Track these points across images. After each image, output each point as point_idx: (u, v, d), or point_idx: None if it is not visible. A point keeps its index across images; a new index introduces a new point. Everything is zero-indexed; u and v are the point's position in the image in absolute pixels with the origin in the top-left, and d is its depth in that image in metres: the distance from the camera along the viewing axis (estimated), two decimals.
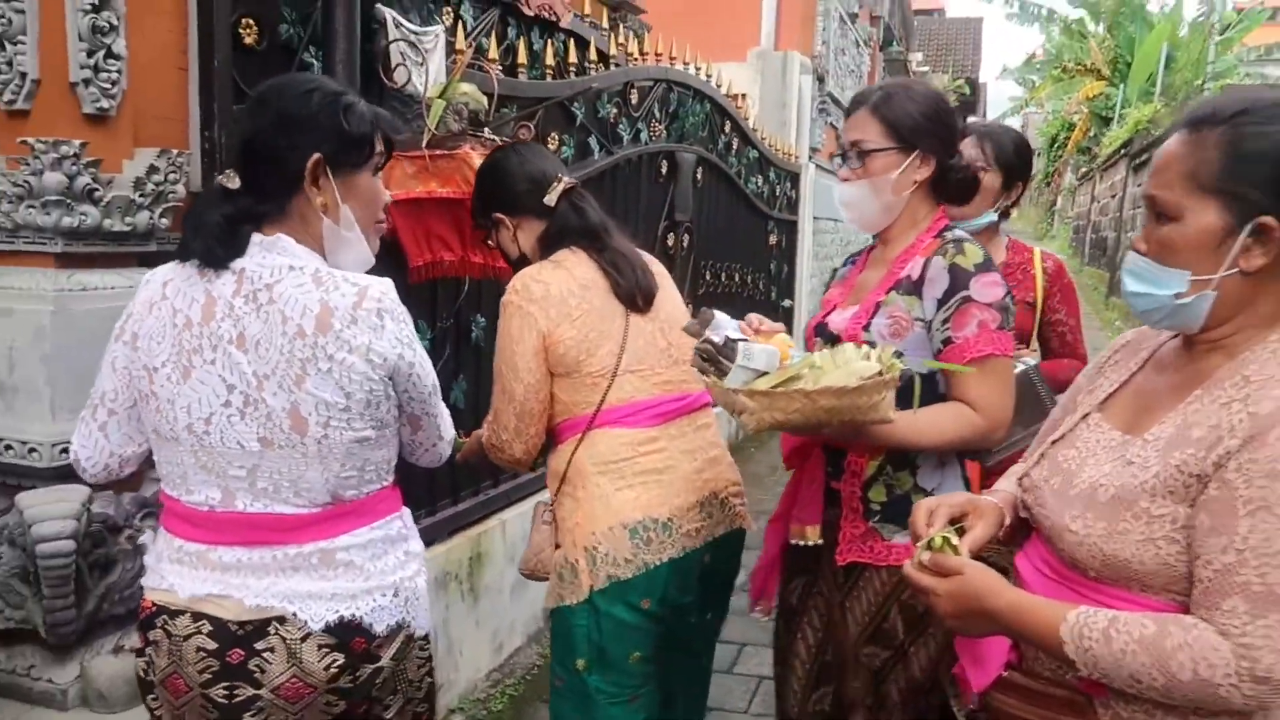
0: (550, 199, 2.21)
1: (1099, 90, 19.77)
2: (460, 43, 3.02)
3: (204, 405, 1.61)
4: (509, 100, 3.27)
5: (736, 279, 6.75)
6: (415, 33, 2.67)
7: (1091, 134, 20.70)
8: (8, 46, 2.69)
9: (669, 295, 2.32)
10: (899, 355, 1.80)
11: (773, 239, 7.59)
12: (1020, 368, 2.27)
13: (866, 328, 1.97)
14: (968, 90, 28.28)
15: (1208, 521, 1.20)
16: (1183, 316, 1.31)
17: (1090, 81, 19.99)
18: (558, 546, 2.21)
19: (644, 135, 4.79)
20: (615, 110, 4.43)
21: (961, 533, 1.45)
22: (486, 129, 2.77)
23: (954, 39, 32.71)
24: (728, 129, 6.18)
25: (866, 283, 2.09)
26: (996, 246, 2.71)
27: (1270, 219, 1.23)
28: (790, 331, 7.91)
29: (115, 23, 2.77)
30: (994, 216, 2.68)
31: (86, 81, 2.72)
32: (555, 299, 2.10)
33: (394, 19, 2.61)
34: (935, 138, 1.99)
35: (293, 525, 1.64)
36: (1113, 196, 16.79)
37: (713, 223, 6.12)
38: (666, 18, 7.77)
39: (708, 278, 6.14)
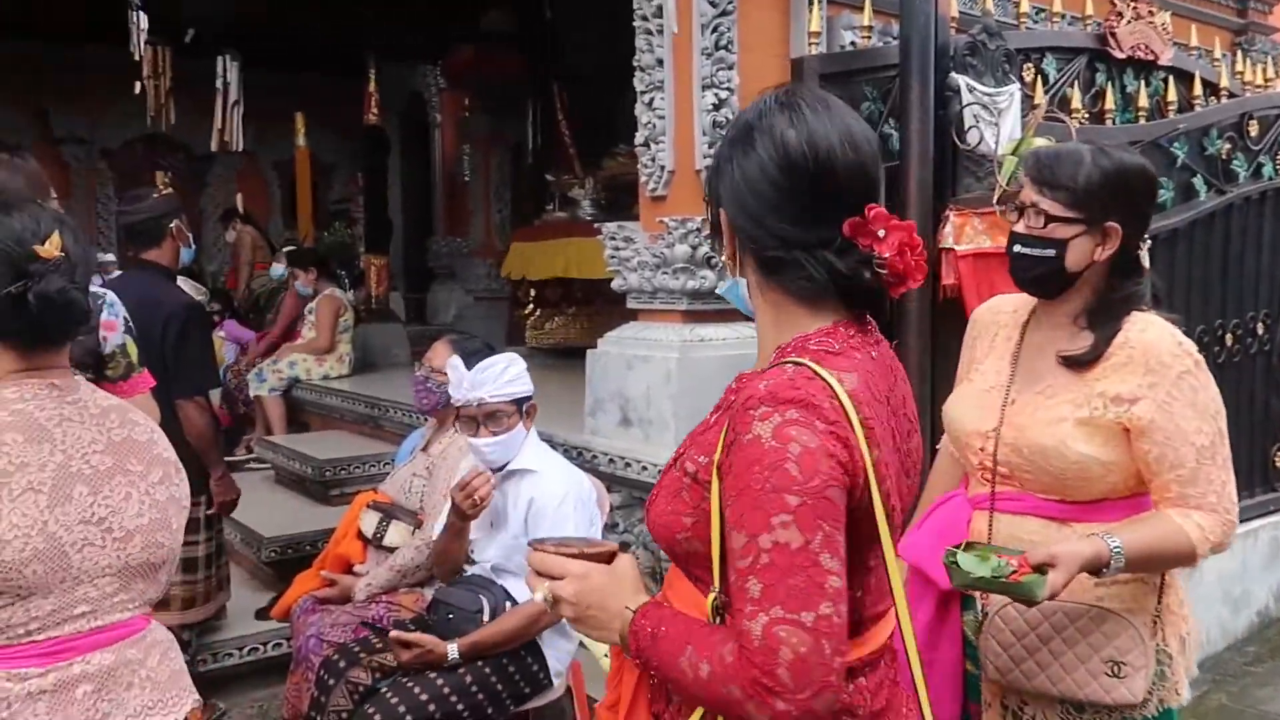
0: None
1: None
2: (1039, 97, 3.06)
3: None
4: None
5: None
6: (988, 95, 2.79)
7: None
8: (653, 146, 3.36)
9: None
10: None
11: None
12: None
13: None
14: None
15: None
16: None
17: None
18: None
19: (1267, 170, 4.27)
20: (1228, 145, 4.04)
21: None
22: None
23: None
24: None
25: None
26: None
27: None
28: None
29: (732, 117, 3.31)
30: None
31: (708, 168, 3.29)
32: None
33: (967, 85, 2.76)
34: None
35: None
36: None
37: None
38: None
39: None
